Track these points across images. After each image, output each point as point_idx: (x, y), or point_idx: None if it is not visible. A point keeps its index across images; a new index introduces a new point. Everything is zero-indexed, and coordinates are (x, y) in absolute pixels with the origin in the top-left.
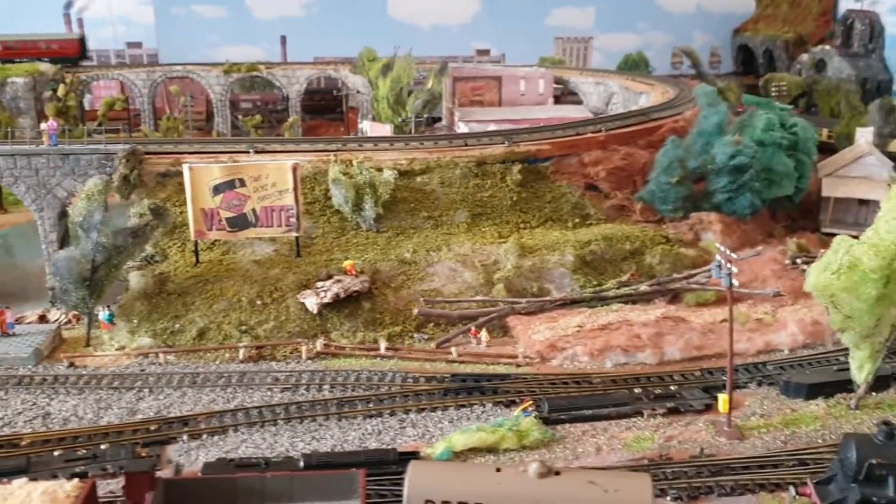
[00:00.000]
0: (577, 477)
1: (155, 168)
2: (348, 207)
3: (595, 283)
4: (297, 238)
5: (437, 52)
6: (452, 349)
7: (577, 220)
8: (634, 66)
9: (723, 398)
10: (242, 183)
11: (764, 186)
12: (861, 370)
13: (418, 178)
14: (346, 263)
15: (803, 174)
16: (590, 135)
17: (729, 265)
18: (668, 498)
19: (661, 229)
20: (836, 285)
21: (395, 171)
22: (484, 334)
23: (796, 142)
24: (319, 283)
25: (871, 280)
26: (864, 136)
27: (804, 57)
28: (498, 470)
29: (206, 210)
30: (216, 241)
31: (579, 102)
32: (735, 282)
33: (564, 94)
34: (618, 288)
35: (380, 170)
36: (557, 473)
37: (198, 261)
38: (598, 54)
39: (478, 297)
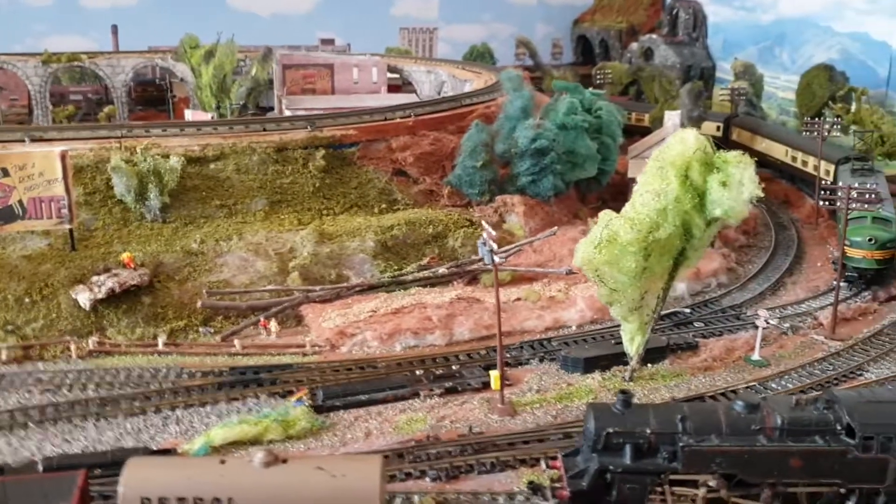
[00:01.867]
0: (304, 464)
1: None
2: (131, 197)
3: (396, 267)
4: (70, 231)
5: (279, 42)
6: (236, 342)
7: (383, 206)
8: (480, 57)
9: (494, 375)
10: (6, 173)
11: (567, 169)
12: (632, 342)
13: (212, 165)
14: (124, 256)
15: (608, 156)
16: (398, 120)
17: (492, 242)
18: (428, 479)
19: (466, 213)
20: (598, 259)
21: (184, 158)
22: (274, 325)
23: (601, 125)
24: (95, 278)
25: (631, 253)
26: (672, 118)
27: (634, 46)
28: (222, 462)
29: None
30: None
31: (414, 91)
32: (497, 258)
33: (405, 84)
34: (417, 272)
35: (166, 157)
36: (284, 461)
37: None
38: (445, 45)
39: (270, 287)
